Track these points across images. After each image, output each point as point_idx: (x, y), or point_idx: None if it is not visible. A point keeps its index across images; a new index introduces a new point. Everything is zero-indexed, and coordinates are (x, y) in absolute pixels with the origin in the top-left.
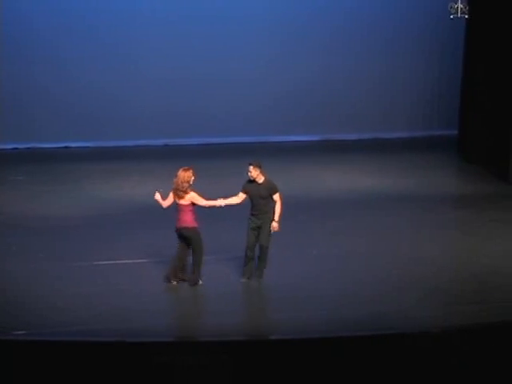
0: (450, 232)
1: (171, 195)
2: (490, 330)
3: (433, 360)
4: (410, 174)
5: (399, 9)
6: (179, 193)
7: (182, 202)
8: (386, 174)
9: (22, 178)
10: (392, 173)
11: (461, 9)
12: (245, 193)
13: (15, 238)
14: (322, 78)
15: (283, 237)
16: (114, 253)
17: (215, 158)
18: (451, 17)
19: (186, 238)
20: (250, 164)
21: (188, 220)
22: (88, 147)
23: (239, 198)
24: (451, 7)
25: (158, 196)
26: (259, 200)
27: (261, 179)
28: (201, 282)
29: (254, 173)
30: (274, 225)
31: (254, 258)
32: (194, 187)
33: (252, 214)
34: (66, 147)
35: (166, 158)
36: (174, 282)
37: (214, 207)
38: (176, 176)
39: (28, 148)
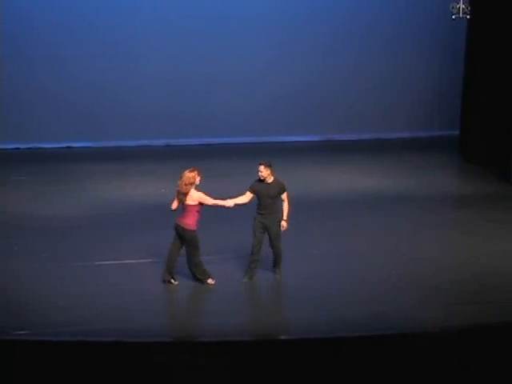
0: (450, 232)
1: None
2: (490, 330)
3: (433, 360)
4: (410, 174)
5: (399, 9)
6: (180, 196)
7: (189, 202)
8: (386, 175)
9: (24, 178)
10: (392, 173)
11: (462, 9)
12: (253, 192)
13: (18, 238)
14: (322, 78)
15: (283, 237)
16: (115, 253)
17: (216, 158)
18: (453, 17)
19: (182, 239)
20: (261, 164)
21: (189, 222)
22: (90, 147)
23: (247, 198)
24: (453, 7)
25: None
26: (268, 200)
27: (270, 179)
28: (212, 281)
29: (265, 172)
30: (284, 224)
31: (259, 259)
32: (197, 188)
33: (259, 213)
34: (67, 147)
35: (168, 158)
36: (176, 282)
37: (222, 207)
38: (181, 178)
39: (29, 148)
